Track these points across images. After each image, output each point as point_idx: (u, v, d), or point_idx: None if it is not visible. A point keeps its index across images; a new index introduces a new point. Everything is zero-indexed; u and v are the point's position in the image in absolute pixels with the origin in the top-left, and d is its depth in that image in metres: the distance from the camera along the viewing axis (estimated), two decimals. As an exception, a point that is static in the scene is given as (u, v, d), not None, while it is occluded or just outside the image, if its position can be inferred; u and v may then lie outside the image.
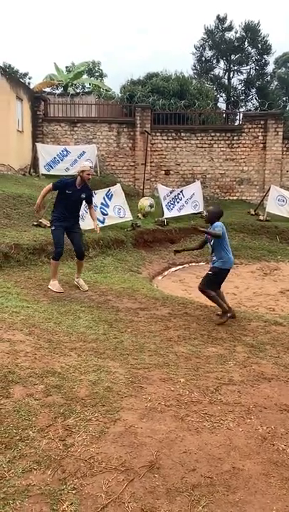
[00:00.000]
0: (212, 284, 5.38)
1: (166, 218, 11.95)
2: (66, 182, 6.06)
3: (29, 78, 28.91)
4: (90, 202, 6.29)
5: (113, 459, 2.38)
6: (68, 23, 60.83)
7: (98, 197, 10.07)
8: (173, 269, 9.95)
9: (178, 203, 12.67)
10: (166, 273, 9.58)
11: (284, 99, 33.68)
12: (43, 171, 14.14)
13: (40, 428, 2.59)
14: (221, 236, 5.22)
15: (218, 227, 5.28)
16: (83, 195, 6.09)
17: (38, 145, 14.56)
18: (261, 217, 13.33)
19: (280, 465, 2.44)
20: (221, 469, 2.38)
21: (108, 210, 10.21)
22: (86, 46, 52.72)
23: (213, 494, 2.18)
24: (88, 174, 6.02)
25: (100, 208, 10.03)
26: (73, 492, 2.13)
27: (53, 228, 6.05)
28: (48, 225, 8.99)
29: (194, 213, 13.18)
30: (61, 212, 5.99)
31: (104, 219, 9.99)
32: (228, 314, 5.16)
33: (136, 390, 3.18)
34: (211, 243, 5.44)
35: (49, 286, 5.92)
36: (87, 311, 5.12)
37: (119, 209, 10.50)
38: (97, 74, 27.41)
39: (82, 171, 5.98)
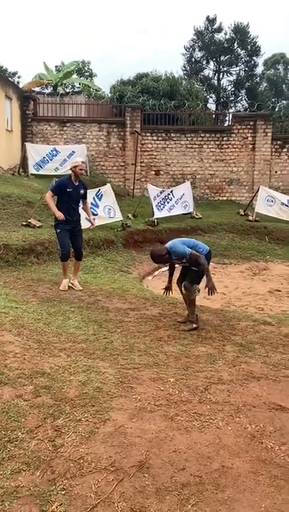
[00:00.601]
0: (198, 279, 4.98)
1: (156, 218, 11.98)
2: (63, 182, 6.11)
3: (18, 77, 28.76)
4: (85, 197, 6.44)
5: (103, 459, 2.38)
6: (59, 21, 60.74)
7: (88, 197, 10.04)
8: (163, 269, 9.94)
9: (168, 203, 12.71)
10: (156, 273, 9.59)
11: (273, 100, 33.98)
12: (32, 170, 14.07)
13: (29, 429, 2.58)
14: (186, 250, 4.76)
15: (178, 251, 4.79)
16: (82, 191, 6.20)
17: (28, 144, 14.48)
18: (250, 218, 13.43)
19: (269, 463, 2.46)
20: (210, 468, 2.39)
21: (98, 210, 10.19)
22: (85, 46, 53.03)
23: (202, 493, 2.19)
24: (81, 169, 6.12)
25: (90, 208, 9.98)
26: (62, 493, 2.12)
27: (58, 231, 6.16)
28: (38, 225, 8.96)
29: (184, 213, 13.23)
30: (64, 214, 5.99)
31: (94, 219, 9.96)
32: (194, 325, 4.79)
33: (126, 390, 3.18)
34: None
35: (60, 287, 6.17)
36: (76, 312, 5.10)
37: (110, 209, 10.49)
38: (87, 74, 27.34)
39: (75, 167, 6.07)
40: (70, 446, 2.46)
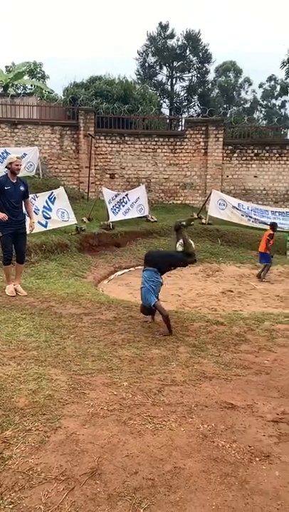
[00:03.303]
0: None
1: (111, 222, 11.94)
2: (0, 181, 5.91)
3: None
4: (26, 196, 6.22)
5: (53, 468, 2.32)
6: (10, 21, 59.21)
7: (40, 200, 9.85)
8: (119, 272, 9.95)
9: (123, 206, 12.70)
10: (112, 277, 9.55)
11: (224, 106, 35.08)
12: (-19, 173, 13.59)
13: (-24, 442, 2.47)
14: (151, 300, 4.88)
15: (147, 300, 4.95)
16: (22, 188, 6.01)
17: (-23, 146, 13.98)
18: (203, 221, 13.72)
19: (220, 461, 2.50)
20: (163, 470, 2.39)
21: (51, 213, 10.00)
22: (37, 47, 51.96)
23: (154, 495, 2.19)
24: (17, 165, 5.92)
25: (43, 211, 9.81)
26: (10, 506, 2.04)
27: (1, 236, 5.99)
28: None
29: (140, 217, 13.29)
30: (7, 215, 5.80)
31: (46, 223, 9.77)
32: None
33: (78, 396, 3.12)
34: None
35: (5, 291, 6.02)
36: (28, 319, 4.97)
37: (63, 212, 10.32)
38: (39, 75, 26.84)
39: (10, 163, 5.90)
40: (18, 457, 2.38)
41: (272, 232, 9.93)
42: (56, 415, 2.82)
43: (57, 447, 2.50)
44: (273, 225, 10.25)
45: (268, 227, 10.64)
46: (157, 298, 4.99)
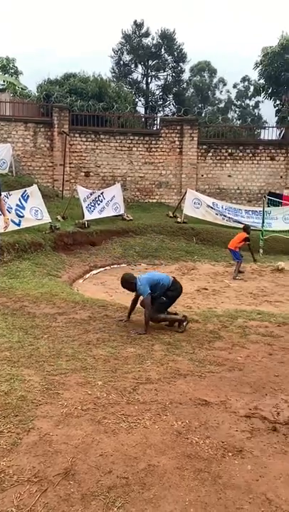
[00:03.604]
0: (164, 307, 5.18)
1: (87, 220, 11.85)
2: None
3: None
4: None
5: (26, 470, 2.29)
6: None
7: (13, 198, 9.67)
8: (94, 271, 9.90)
9: (98, 205, 12.63)
10: (87, 276, 9.48)
11: (199, 106, 35.36)
12: None
13: None
14: (145, 291, 4.92)
15: (141, 288, 4.96)
16: None
17: None
18: (179, 220, 13.81)
19: (193, 457, 2.53)
20: (137, 468, 2.40)
21: (24, 212, 9.83)
22: (11, 43, 50.78)
23: (128, 494, 2.19)
24: None
25: (16, 209, 9.63)
26: (-19, 511, 2.00)
27: None
28: None
29: (115, 215, 13.24)
30: None
31: (20, 221, 9.61)
32: (184, 323, 4.99)
33: (51, 396, 3.09)
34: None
35: None
36: (0, 319, 4.88)
37: (36, 211, 10.17)
38: (12, 71, 26.29)
39: None
40: (-10, 460, 2.34)
41: (248, 236, 10.14)
42: (29, 416, 2.79)
43: (29, 449, 2.46)
44: (247, 228, 10.44)
45: (241, 227, 10.81)
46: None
